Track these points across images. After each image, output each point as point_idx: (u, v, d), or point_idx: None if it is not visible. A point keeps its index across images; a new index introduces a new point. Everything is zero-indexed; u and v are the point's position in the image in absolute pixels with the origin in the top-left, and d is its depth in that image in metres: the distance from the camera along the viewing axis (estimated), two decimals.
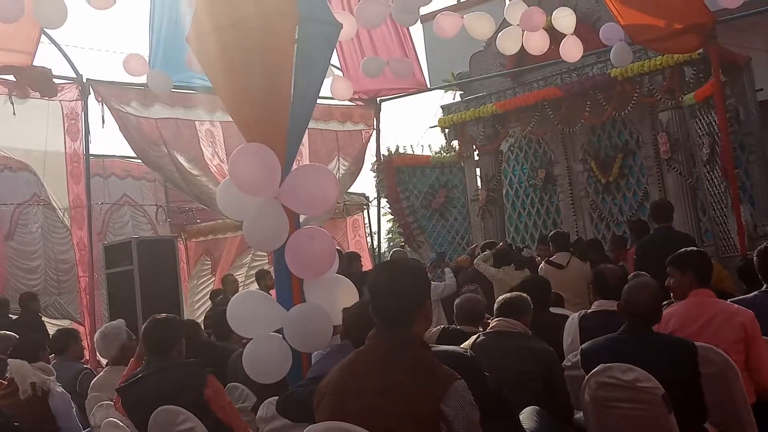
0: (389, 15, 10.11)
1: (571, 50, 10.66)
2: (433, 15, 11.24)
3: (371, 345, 3.47)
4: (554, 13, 10.64)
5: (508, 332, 5.37)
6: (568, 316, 6.23)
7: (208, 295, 14.47)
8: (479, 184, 14.48)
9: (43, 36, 11.44)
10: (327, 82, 11.50)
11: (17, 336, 7.74)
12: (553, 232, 10.85)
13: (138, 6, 13.11)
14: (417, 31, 17.14)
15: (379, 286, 3.47)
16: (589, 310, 5.99)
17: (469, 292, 7.85)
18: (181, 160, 12.77)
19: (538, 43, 10.61)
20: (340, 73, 13.44)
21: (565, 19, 10.53)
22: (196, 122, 13.19)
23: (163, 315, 5.61)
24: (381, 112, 15.78)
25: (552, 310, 6.83)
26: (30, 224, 13.57)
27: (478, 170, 14.58)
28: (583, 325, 5.84)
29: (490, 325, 5.54)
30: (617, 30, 9.94)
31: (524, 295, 5.66)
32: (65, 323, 12.76)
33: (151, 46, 11.84)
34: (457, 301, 6.82)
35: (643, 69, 11.75)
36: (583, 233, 12.80)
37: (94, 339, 7.41)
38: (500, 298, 5.69)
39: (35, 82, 11.49)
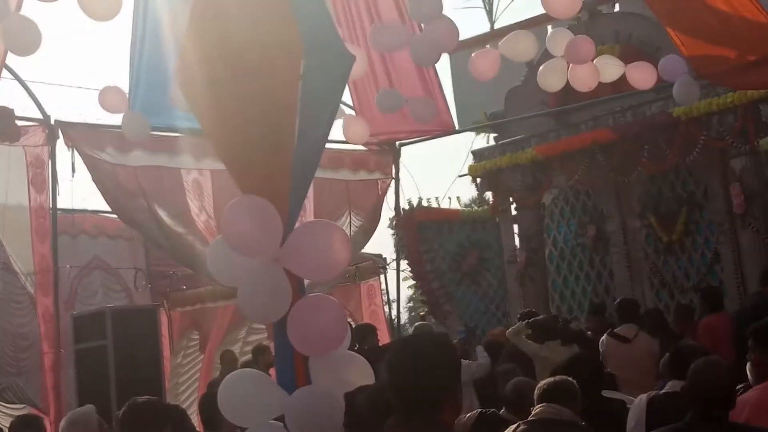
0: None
1: (643, 75, 10.56)
2: (461, 45, 11.29)
3: None
4: (597, 59, 10.54)
5: (554, 420, 5.34)
6: (625, 402, 6.21)
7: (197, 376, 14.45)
8: (517, 243, 14.49)
9: (4, 71, 11.59)
10: (337, 124, 11.58)
11: None
12: (619, 299, 10.81)
13: (116, 38, 13.28)
14: (443, 62, 17.25)
15: (400, 366, 3.46)
16: (662, 391, 5.98)
17: (507, 372, 7.81)
18: (164, 215, 12.81)
19: (586, 78, 10.59)
20: (352, 112, 13.50)
21: (610, 66, 10.51)
22: (182, 171, 13.24)
23: (144, 398, 5.60)
24: (401, 159, 15.76)
25: (605, 393, 6.79)
26: None
27: (516, 227, 14.60)
28: (653, 407, 5.82)
29: (533, 413, 5.51)
30: (680, 62, 9.97)
31: (570, 379, 5.64)
32: (24, 410, 12.75)
33: (132, 81, 11.98)
34: (508, 385, 6.84)
35: (711, 108, 11.78)
36: (641, 301, 12.73)
37: (60, 428, 7.39)
38: (543, 381, 5.67)
39: None
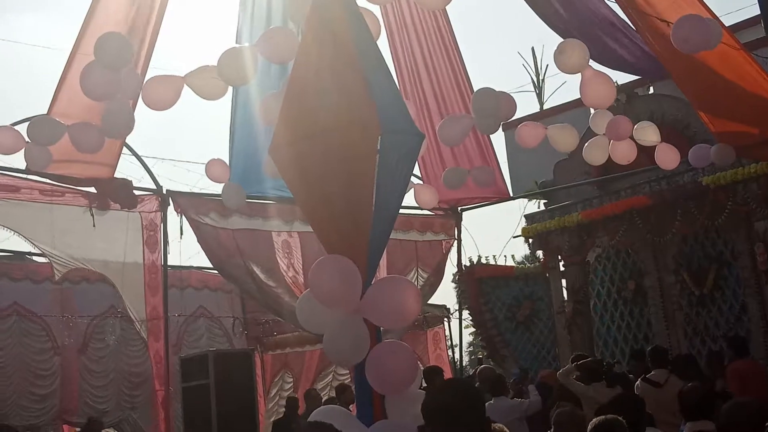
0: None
1: (667, 157, 10.57)
2: (515, 123, 11.34)
3: None
4: (635, 130, 10.50)
5: None
6: None
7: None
8: (565, 295, 14.34)
9: (124, 149, 11.88)
10: (408, 192, 11.64)
11: None
12: (651, 347, 10.62)
13: (216, 118, 13.55)
14: (499, 138, 17.30)
15: (434, 407, 3.48)
16: None
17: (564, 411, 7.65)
18: (257, 271, 12.93)
19: (625, 153, 10.55)
20: (420, 182, 13.57)
21: (648, 137, 10.48)
22: (273, 233, 13.38)
23: None
24: (462, 222, 15.75)
25: (648, 431, 6.66)
26: (105, 336, 13.83)
27: (563, 281, 14.47)
28: None
29: None
30: (706, 150, 9.94)
31: (620, 417, 5.55)
32: None
33: (230, 156, 12.20)
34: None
35: (737, 177, 11.64)
36: (676, 348, 12.53)
37: None
38: (594, 420, 5.59)
39: (116, 194, 11.87)
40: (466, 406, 3.42)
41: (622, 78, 13.12)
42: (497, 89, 9.49)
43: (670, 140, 10.75)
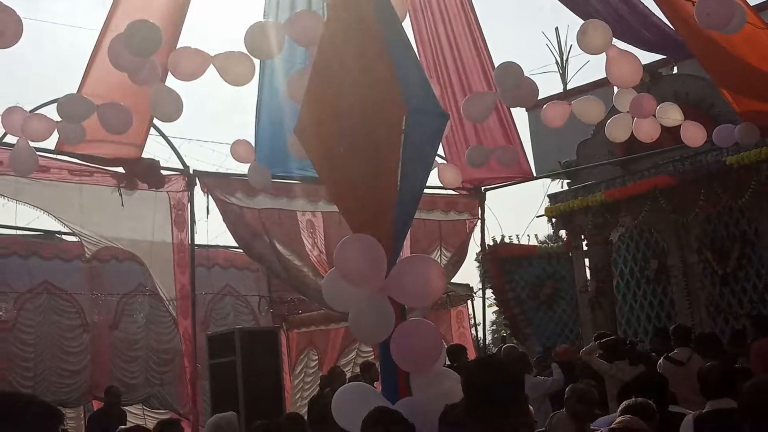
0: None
1: (693, 134, 10.51)
2: (539, 103, 11.29)
3: None
4: (658, 108, 10.45)
5: (634, 430, 5.22)
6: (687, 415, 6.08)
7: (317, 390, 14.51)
8: (588, 275, 14.30)
9: (152, 129, 11.93)
10: (432, 171, 11.62)
11: None
12: (674, 326, 10.59)
13: (243, 99, 13.55)
14: (522, 118, 17.21)
15: (473, 382, 3.50)
16: (704, 410, 5.85)
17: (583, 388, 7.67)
18: (282, 250, 12.97)
19: (648, 131, 10.50)
20: (444, 162, 13.54)
21: (670, 116, 10.41)
22: (298, 213, 13.41)
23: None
24: (486, 201, 15.72)
25: (671, 408, 6.65)
26: (135, 314, 13.93)
27: (586, 261, 14.43)
28: (698, 426, 5.69)
29: (617, 420, 5.41)
30: (730, 130, 9.86)
31: (650, 401, 5.56)
32: (166, 415, 13.01)
33: (256, 137, 12.22)
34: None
35: (761, 156, 11.53)
36: (699, 327, 12.48)
37: (205, 430, 7.52)
38: (624, 403, 5.59)
39: (144, 174, 11.94)
40: (503, 383, 3.44)
41: (645, 58, 13.02)
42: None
43: (694, 120, 10.68)
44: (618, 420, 5.38)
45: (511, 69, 9.23)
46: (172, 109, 8.63)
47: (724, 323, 12.56)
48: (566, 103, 10.78)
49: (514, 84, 9.21)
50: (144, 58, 7.97)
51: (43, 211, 11.67)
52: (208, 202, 12.56)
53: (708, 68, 10.13)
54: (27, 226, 12.65)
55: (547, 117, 10.51)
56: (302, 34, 8.08)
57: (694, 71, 12.42)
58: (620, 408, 5.52)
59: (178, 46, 9.67)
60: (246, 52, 8.28)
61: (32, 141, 9.37)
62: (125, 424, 11.18)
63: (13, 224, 12.36)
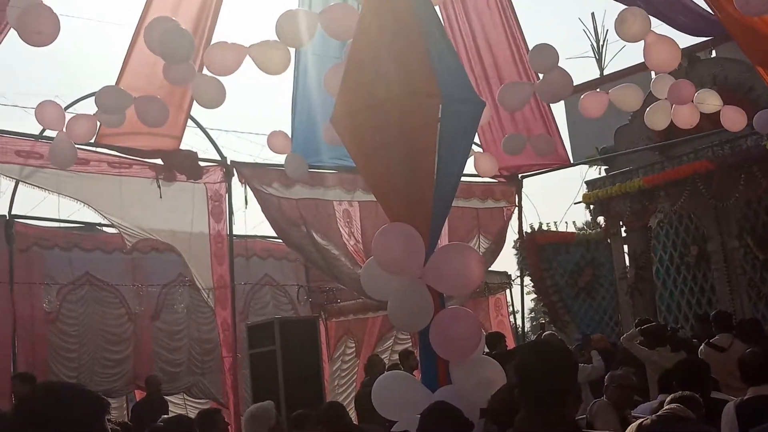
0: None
1: (733, 119, 10.37)
2: (575, 89, 11.18)
3: (520, 429, 3.43)
4: (697, 95, 10.31)
5: (681, 418, 5.17)
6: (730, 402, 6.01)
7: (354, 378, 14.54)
8: (627, 261, 14.18)
9: (189, 121, 11.99)
10: (469, 160, 11.57)
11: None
12: (715, 312, 10.48)
13: (279, 91, 13.58)
14: (558, 104, 17.08)
15: (529, 367, 3.44)
16: (745, 397, 5.78)
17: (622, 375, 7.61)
18: (319, 239, 12.99)
19: (687, 117, 10.39)
20: (480, 150, 13.47)
21: (710, 102, 10.27)
22: (334, 202, 13.42)
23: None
24: (523, 189, 15.65)
25: (713, 395, 6.58)
26: (176, 304, 14.02)
27: (625, 247, 14.30)
28: (740, 413, 5.63)
29: (665, 407, 5.37)
30: None
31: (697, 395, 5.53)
32: (207, 404, 13.10)
33: (293, 127, 12.24)
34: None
35: None
36: (740, 313, 12.33)
37: (242, 420, 7.53)
38: (671, 396, 5.56)
39: (182, 166, 12.01)
40: (554, 369, 3.39)
41: (683, 41, 12.86)
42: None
43: (733, 104, 10.55)
44: (666, 408, 5.33)
45: (546, 51, 9.16)
46: (214, 95, 8.68)
47: (765, 309, 12.40)
48: (604, 92, 10.68)
49: (550, 66, 9.14)
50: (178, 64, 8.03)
51: (83, 204, 11.77)
52: (246, 192, 12.62)
53: (747, 51, 9.97)
54: (68, 219, 12.77)
55: (585, 107, 10.42)
56: (336, 26, 8.07)
57: (732, 55, 12.25)
58: (668, 399, 5.47)
59: (214, 40, 9.71)
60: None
61: (76, 142, 9.47)
62: (167, 414, 11.24)
63: (56, 216, 12.49)
